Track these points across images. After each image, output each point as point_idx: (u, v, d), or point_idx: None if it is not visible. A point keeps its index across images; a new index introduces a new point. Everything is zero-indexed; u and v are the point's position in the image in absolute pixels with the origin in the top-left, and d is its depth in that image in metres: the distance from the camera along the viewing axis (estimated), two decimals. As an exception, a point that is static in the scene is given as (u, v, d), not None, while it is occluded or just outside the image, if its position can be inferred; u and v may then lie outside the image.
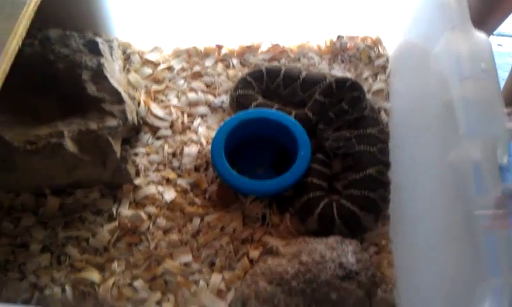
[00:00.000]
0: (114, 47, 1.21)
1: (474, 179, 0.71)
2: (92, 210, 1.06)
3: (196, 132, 1.18)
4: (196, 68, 1.30)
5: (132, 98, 1.18)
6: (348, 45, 1.34)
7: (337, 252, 0.93)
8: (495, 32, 1.59)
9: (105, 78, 1.10)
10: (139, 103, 1.21)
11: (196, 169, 1.12)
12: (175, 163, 1.13)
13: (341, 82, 1.17)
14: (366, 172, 1.06)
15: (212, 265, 1.00)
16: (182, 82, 1.28)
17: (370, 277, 0.92)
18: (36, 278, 0.99)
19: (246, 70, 1.29)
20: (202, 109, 1.23)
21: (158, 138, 1.18)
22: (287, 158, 1.12)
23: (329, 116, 1.13)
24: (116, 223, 1.04)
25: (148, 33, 1.34)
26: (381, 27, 1.33)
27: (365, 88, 1.19)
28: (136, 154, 1.14)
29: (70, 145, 1.01)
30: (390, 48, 1.32)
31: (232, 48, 1.35)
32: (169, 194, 1.08)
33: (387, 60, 1.31)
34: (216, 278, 0.97)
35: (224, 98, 1.25)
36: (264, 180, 1.05)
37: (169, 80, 1.29)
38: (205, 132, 1.18)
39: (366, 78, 1.27)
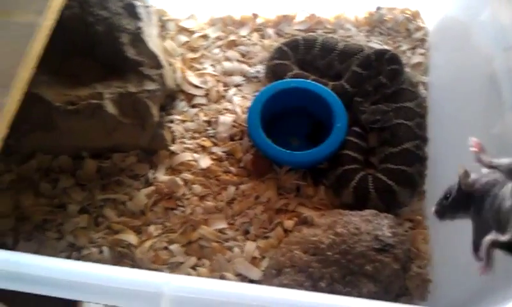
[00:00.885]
0: (151, 12, 1.20)
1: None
2: (129, 175, 1.08)
3: (230, 102, 1.18)
4: (232, 37, 1.29)
5: (169, 64, 1.17)
6: (386, 17, 1.30)
7: (373, 225, 0.93)
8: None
9: (144, 42, 1.10)
10: (174, 71, 1.20)
11: (231, 138, 1.12)
12: (210, 131, 1.14)
13: (380, 54, 1.15)
14: (403, 146, 1.04)
15: (246, 233, 1.01)
16: (217, 50, 1.27)
17: (405, 251, 0.92)
18: (74, 238, 1.01)
19: (281, 40, 1.26)
20: (237, 79, 1.22)
21: (193, 106, 1.18)
22: (322, 130, 1.11)
23: (367, 89, 1.12)
24: (152, 188, 1.05)
25: (184, 1, 1.32)
26: (420, -1, 1.30)
27: (403, 61, 1.16)
28: (172, 121, 1.14)
29: (110, 107, 1.01)
30: (429, 21, 1.29)
31: (268, 18, 1.33)
32: (205, 162, 1.08)
33: (426, 33, 1.27)
34: (251, 245, 0.98)
35: (260, 68, 1.23)
36: (300, 151, 1.04)
37: (205, 49, 1.28)
38: (240, 101, 1.17)
39: (404, 52, 1.25)
